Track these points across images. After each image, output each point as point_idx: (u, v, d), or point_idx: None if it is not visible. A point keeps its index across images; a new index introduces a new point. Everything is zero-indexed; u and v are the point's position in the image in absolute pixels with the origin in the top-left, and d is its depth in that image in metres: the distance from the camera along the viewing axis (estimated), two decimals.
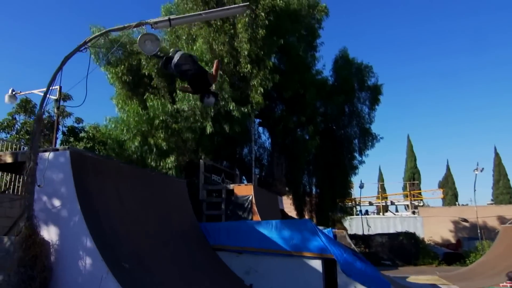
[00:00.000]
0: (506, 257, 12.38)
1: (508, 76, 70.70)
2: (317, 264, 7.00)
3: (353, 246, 10.34)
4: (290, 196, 22.09)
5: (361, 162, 21.04)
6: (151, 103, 13.57)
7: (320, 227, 9.47)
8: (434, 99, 78.86)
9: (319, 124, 20.72)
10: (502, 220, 23.56)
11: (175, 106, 13.82)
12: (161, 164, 12.52)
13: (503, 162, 44.46)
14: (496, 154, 44.95)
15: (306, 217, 21.17)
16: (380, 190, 43.72)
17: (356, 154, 20.75)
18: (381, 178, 51.14)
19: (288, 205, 22.26)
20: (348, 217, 35.44)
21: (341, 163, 20.63)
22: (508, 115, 71.87)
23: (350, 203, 37.55)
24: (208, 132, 13.48)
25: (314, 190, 22.20)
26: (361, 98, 19.73)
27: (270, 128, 18.52)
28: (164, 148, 12.93)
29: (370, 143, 20.05)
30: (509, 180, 43.75)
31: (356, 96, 19.67)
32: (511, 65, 70.34)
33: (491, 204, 35.55)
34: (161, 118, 13.43)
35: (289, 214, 21.58)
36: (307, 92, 17.11)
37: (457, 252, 21.57)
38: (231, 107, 13.30)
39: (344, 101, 19.14)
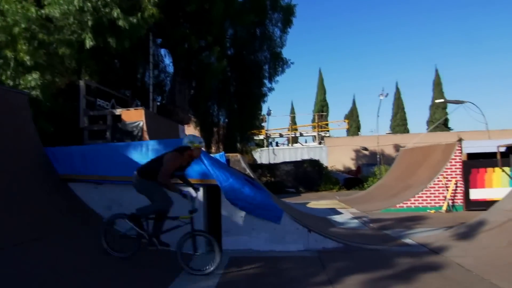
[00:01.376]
0: (403, 179, 12.87)
1: (410, 10, 74.43)
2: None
3: (248, 171, 9.51)
4: (198, 128, 20.83)
5: (271, 90, 20.27)
6: (7, 7, 10.55)
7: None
8: (345, 34, 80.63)
9: (228, 49, 19.05)
10: (397, 147, 25.33)
11: (43, 12, 10.97)
12: (21, 82, 9.99)
13: (402, 96, 47.94)
14: (397, 89, 48.12)
15: (213, 148, 20.19)
16: (290, 122, 44.58)
17: (266, 81, 19.75)
18: (293, 111, 52.31)
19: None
20: (259, 149, 35.72)
21: (251, 91, 19.58)
22: (409, 50, 76.88)
23: (261, 135, 37.82)
24: (87, 46, 11.06)
25: (222, 120, 21.14)
26: (273, 19, 18.23)
27: (172, 50, 16.33)
28: (28, 63, 10.31)
29: (280, 69, 19.09)
30: (405, 113, 47.73)
31: (268, 17, 18.10)
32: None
33: (389, 133, 38.35)
34: (22, 26, 10.57)
35: None
36: (213, 7, 15.11)
37: (356, 177, 22.76)
38: (115, 15, 10.93)
39: (256, 22, 17.52)
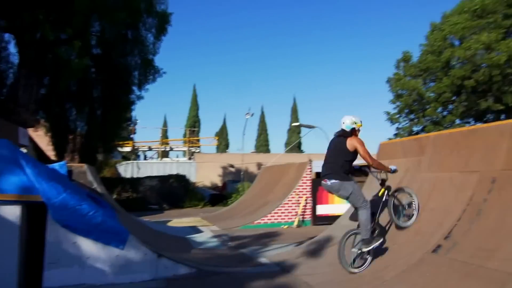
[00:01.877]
0: (262, 195, 13.00)
1: (275, 43, 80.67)
2: (11, 212, 4.27)
3: (95, 185, 8.09)
4: (50, 134, 17.86)
5: (140, 97, 18.73)
6: None
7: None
8: (221, 52, 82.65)
9: (94, 47, 16.90)
10: (260, 166, 26.29)
11: None
12: None
13: (266, 119, 50.95)
14: (262, 112, 50.95)
15: (67, 158, 17.54)
16: (161, 135, 42.75)
17: (135, 88, 18.12)
18: (165, 125, 50.55)
19: (47, 143, 17.98)
20: (124, 162, 32.98)
21: (118, 97, 17.72)
22: (272, 79, 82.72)
23: (128, 147, 35.13)
24: None
25: (81, 126, 18.60)
26: (147, 23, 16.84)
27: (19, 36, 13.53)
28: None
29: (151, 77, 17.72)
30: (267, 135, 50.79)
31: (142, 20, 16.68)
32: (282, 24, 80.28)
33: (254, 152, 39.86)
34: None
35: (47, 154, 17.43)
36: None
37: (221, 194, 22.63)
38: None
39: (128, 24, 15.90)
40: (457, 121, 25.33)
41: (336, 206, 11.53)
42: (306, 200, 11.41)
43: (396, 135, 28.78)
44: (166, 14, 17.22)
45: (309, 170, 11.60)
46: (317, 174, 11.63)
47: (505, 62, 20.19)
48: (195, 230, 10.67)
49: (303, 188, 11.48)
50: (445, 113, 25.52)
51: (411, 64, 27.10)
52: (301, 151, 45.61)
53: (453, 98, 24.47)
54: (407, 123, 27.90)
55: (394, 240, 5.51)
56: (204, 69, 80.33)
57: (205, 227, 11.16)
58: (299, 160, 19.14)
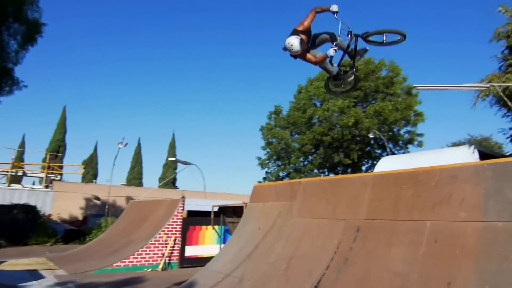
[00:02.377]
0: (126, 233, 11.36)
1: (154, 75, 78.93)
2: None
3: None
4: None
5: None
6: None
7: None
8: (96, 77, 76.14)
9: None
10: (129, 199, 23.96)
11: None
12: None
13: (142, 152, 48.01)
14: (138, 144, 47.94)
15: None
16: (14, 157, 35.99)
17: None
18: (22, 146, 42.91)
19: None
20: None
21: None
22: (151, 114, 79.70)
23: None
24: None
25: None
26: (12, 28, 14.08)
27: None
28: None
29: (8, 88, 14.58)
30: (142, 168, 47.66)
31: (7, 24, 13.86)
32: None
33: (124, 185, 36.57)
34: None
35: None
36: None
37: (79, 229, 19.50)
38: None
39: None
40: (315, 171, 27.88)
41: (206, 247, 10.79)
42: (175, 240, 10.36)
43: (265, 178, 30.08)
44: (37, 24, 14.82)
45: (181, 208, 10.68)
46: (189, 212, 10.80)
47: (353, 125, 23.26)
48: (34, 275, 8.35)
49: (172, 227, 10.43)
50: (306, 162, 27.87)
51: (281, 117, 29.23)
52: (175, 187, 43.95)
53: (313, 150, 27.01)
54: (275, 169, 29.49)
55: None
56: (76, 93, 72.23)
57: (48, 271, 8.94)
58: (172, 196, 18.02)
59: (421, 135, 26.92)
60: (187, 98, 78.58)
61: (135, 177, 46.42)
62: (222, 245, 11.00)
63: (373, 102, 25.14)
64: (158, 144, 77.09)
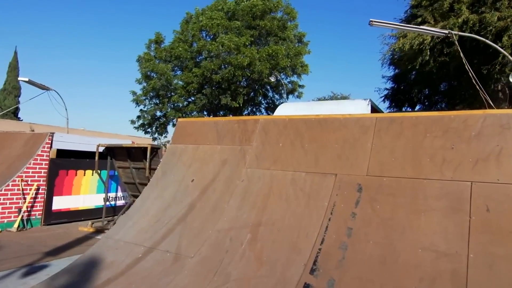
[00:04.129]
0: None
1: None
2: None
3: None
4: None
5: None
6: None
7: None
8: None
9: None
10: None
11: None
12: None
13: None
14: None
15: None
16: None
17: None
18: None
19: None
20: None
21: None
22: None
23: None
24: None
25: None
26: None
27: None
28: None
29: None
30: None
31: None
32: None
33: None
34: None
35: None
36: None
37: None
38: None
39: None
40: (194, 113, 26.14)
41: (83, 197, 8.33)
42: (37, 189, 7.52)
43: (139, 117, 26.85)
44: None
45: (48, 145, 7.75)
46: (59, 152, 7.97)
47: (247, 66, 22.09)
48: None
49: (35, 172, 7.50)
50: (187, 102, 25.77)
51: (162, 48, 25.88)
52: (18, 119, 36.00)
53: (198, 89, 25.01)
54: (152, 106, 26.51)
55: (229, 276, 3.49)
56: None
57: None
58: (14, 129, 13.90)
59: (302, 86, 27.67)
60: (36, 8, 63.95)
61: None
62: (110, 195, 8.74)
63: (267, 45, 24.24)
64: None
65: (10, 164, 7.53)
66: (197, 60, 25.42)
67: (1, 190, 6.92)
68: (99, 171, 8.30)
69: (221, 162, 4.68)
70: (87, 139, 8.67)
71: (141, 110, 26.47)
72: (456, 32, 8.58)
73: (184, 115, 25.56)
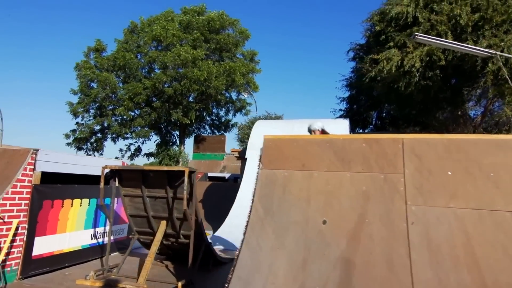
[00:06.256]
0: None
1: None
2: None
3: None
4: None
5: None
6: None
7: None
8: None
9: None
10: None
11: None
12: None
13: None
14: None
15: None
16: None
17: None
18: None
19: None
20: None
21: None
22: None
23: None
24: None
25: None
26: None
27: None
28: None
29: None
30: None
31: None
32: None
33: None
34: None
35: None
36: None
37: None
38: None
39: None
40: (139, 128, 23.67)
41: (67, 236, 6.18)
42: (16, 228, 5.20)
43: (74, 131, 23.35)
44: None
45: (31, 166, 5.49)
46: (44, 175, 5.78)
47: (204, 80, 20.72)
48: None
49: (13, 204, 5.16)
50: (134, 115, 23.24)
51: (105, 57, 23.20)
52: None
53: (146, 102, 22.70)
54: (90, 120, 23.33)
55: None
56: None
57: None
58: None
59: (249, 104, 27.07)
60: None
61: None
62: (97, 230, 6.72)
63: (221, 61, 23.14)
64: None
65: None
66: (144, 71, 23.25)
67: None
68: (84, 200, 6.28)
69: (361, 196, 3.48)
70: (78, 159, 6.55)
71: (77, 123, 23.11)
72: (501, 54, 8.61)
73: (130, 129, 22.92)
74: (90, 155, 24.05)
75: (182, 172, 5.25)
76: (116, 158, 24.47)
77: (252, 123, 40.27)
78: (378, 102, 19.75)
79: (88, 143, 23.93)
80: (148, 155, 24.76)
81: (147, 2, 59.58)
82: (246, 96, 22.36)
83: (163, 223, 5.82)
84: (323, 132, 6.02)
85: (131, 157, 24.39)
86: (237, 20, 23.52)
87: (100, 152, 24.10)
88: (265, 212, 3.64)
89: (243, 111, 26.79)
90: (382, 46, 13.56)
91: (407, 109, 16.13)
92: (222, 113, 27.14)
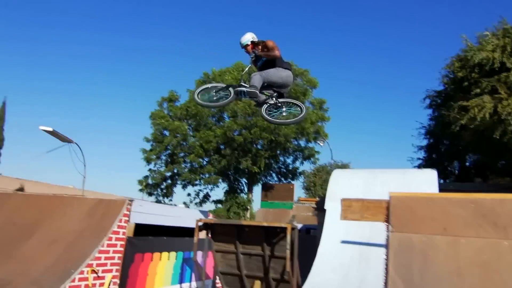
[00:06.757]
0: None
1: None
2: None
3: None
4: None
5: None
6: None
7: None
8: None
9: None
10: None
11: None
12: None
13: None
14: None
15: None
16: None
17: None
18: None
19: None
20: None
21: None
22: None
23: None
24: None
25: None
26: None
27: None
28: None
29: None
30: None
31: None
32: None
33: None
34: None
35: None
36: None
37: None
38: None
39: None
40: (207, 175, 24.02)
41: None
42: (109, 283, 5.09)
43: (146, 177, 24.40)
44: None
45: (126, 218, 5.49)
46: (137, 227, 5.72)
47: (274, 128, 20.73)
48: None
49: (108, 258, 5.11)
50: (205, 163, 23.78)
51: (178, 106, 24.52)
52: None
53: (215, 150, 23.23)
54: (162, 167, 24.29)
55: None
56: None
57: None
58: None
59: (318, 152, 26.34)
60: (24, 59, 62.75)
61: None
62: (182, 286, 6.37)
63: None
64: None
65: (70, 243, 5.16)
66: (214, 119, 24.04)
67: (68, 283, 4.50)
68: (171, 254, 6.03)
69: None
70: (169, 210, 6.49)
71: (150, 169, 24.17)
72: None
73: (200, 176, 23.40)
74: (160, 201, 24.74)
75: (282, 229, 4.80)
76: (184, 203, 24.98)
77: (318, 171, 39.36)
78: (462, 151, 18.26)
79: (159, 189, 24.71)
80: (216, 202, 24.85)
81: (219, 55, 63.75)
82: (321, 145, 21.88)
83: (258, 283, 5.32)
84: (254, 44, 5.04)
85: (200, 203, 24.65)
86: (307, 71, 23.77)
87: (169, 198, 24.73)
88: (406, 285, 3.00)
89: (312, 159, 26.17)
90: (466, 92, 12.75)
91: (499, 159, 14.57)
92: (289, 161, 26.81)
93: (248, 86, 4.76)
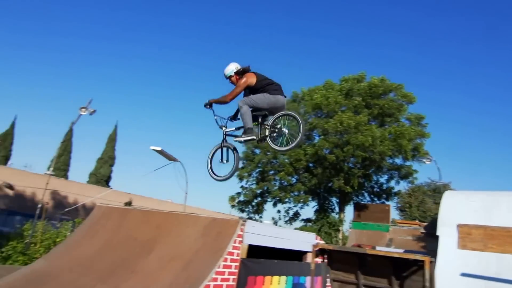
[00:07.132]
0: (106, 277, 5.57)
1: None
2: None
3: None
4: None
5: None
6: None
7: None
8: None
9: None
10: (57, 195, 17.26)
11: None
12: None
13: (73, 140, 39.50)
14: (70, 130, 39.32)
15: None
16: None
17: None
18: None
19: None
20: None
21: None
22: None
23: None
24: None
25: None
26: None
27: None
28: None
29: None
30: (70, 158, 39.35)
31: None
32: None
33: (51, 175, 28.54)
34: None
35: None
36: None
37: None
38: None
39: None
40: (296, 193, 23.57)
41: None
42: None
43: (238, 194, 24.97)
44: None
45: (240, 239, 5.40)
46: (251, 249, 5.56)
47: (369, 145, 19.58)
48: None
49: (224, 280, 5.02)
50: (294, 181, 23.48)
51: None
52: (109, 187, 36.36)
53: (305, 168, 22.80)
54: (253, 184, 24.59)
55: None
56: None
57: None
58: (110, 198, 12.32)
59: (416, 171, 24.01)
60: (135, 88, 70.39)
61: (60, 168, 37.87)
62: None
63: (385, 125, 21.83)
64: (94, 134, 67.40)
65: (188, 262, 5.20)
66: (308, 137, 23.66)
67: None
68: (282, 278, 5.67)
69: None
70: (280, 232, 6.24)
71: (242, 186, 24.69)
72: None
73: (290, 194, 23.14)
74: (251, 218, 24.95)
75: (417, 262, 4.14)
76: (273, 218, 24.97)
77: (413, 191, 36.15)
78: None
79: (250, 206, 24.99)
80: (306, 220, 24.25)
81: (307, 75, 64.01)
82: (427, 163, 20.07)
83: None
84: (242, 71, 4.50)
85: (289, 221, 24.30)
86: (401, 85, 22.24)
87: (260, 215, 24.84)
88: None
89: (410, 178, 24.08)
90: None
91: None
92: (382, 180, 25.08)
93: (242, 133, 4.39)
